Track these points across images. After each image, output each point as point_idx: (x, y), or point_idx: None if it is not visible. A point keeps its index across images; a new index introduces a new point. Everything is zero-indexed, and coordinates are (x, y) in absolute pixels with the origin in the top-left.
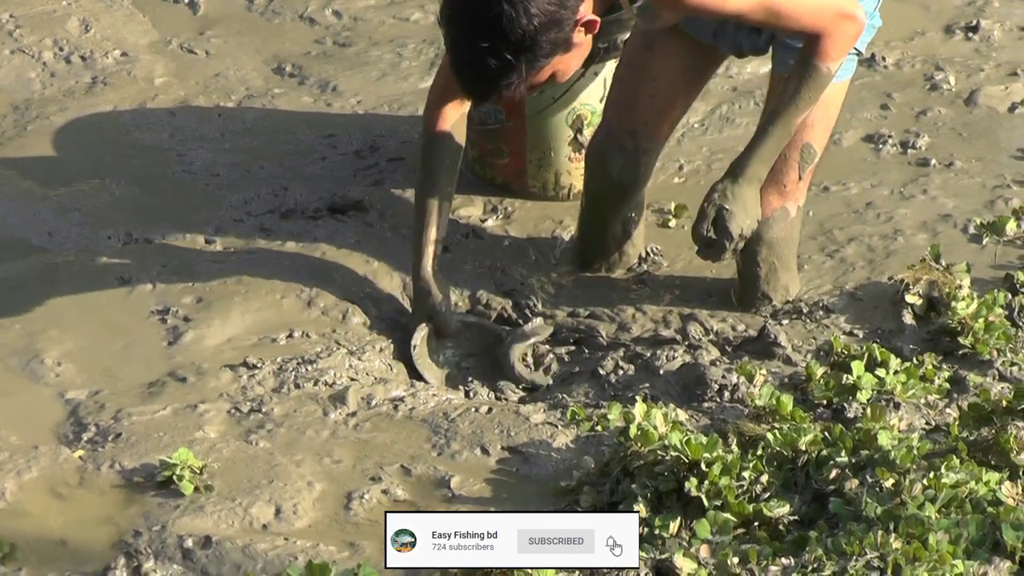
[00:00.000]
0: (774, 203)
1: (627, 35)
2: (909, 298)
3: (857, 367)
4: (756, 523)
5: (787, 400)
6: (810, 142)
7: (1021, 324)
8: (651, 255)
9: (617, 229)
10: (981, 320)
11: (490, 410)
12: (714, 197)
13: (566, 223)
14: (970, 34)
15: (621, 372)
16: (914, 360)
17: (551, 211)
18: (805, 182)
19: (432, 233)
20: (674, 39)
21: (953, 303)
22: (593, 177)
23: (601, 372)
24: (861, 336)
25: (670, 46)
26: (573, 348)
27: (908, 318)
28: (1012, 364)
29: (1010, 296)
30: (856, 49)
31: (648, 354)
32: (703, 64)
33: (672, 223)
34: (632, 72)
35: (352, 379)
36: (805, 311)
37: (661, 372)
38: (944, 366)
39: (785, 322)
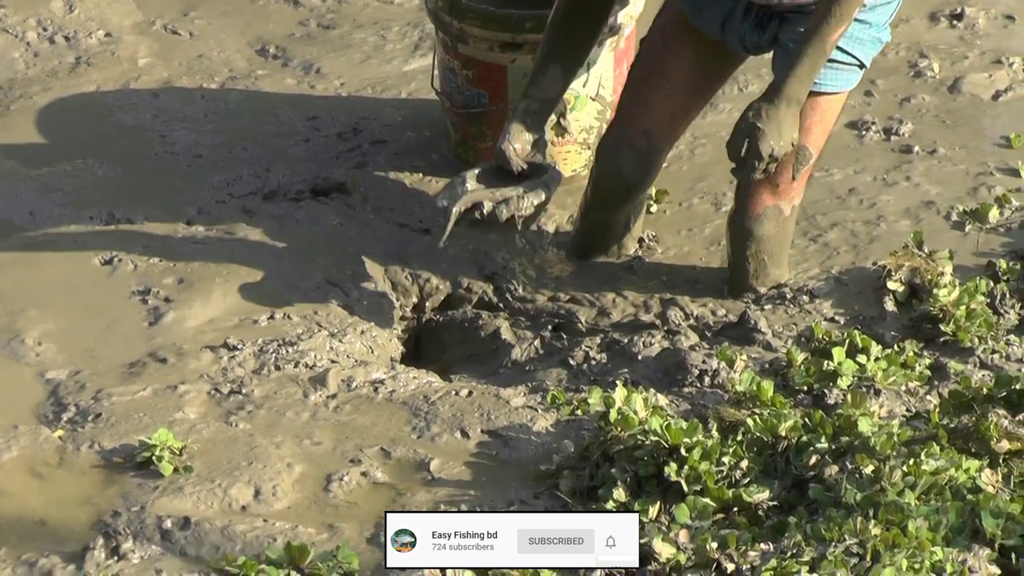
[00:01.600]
0: (767, 200)
1: (611, 21)
2: (891, 285)
3: (838, 353)
4: (735, 508)
5: (767, 386)
6: (806, 145)
7: (1003, 312)
8: (646, 241)
9: (620, 222)
10: (963, 307)
11: (470, 393)
12: (748, 115)
13: (550, 210)
14: (955, 21)
15: (594, 362)
16: (895, 347)
17: None
18: (800, 183)
19: (531, 90)
20: (690, 38)
21: (935, 290)
22: (603, 174)
23: (572, 363)
24: (842, 322)
25: (687, 46)
26: (551, 333)
27: (890, 305)
28: (993, 352)
29: (992, 284)
30: (859, 60)
31: (626, 340)
32: (720, 64)
33: (654, 208)
34: (649, 71)
35: (333, 361)
36: (789, 296)
37: (640, 358)
38: (925, 353)
39: (768, 307)
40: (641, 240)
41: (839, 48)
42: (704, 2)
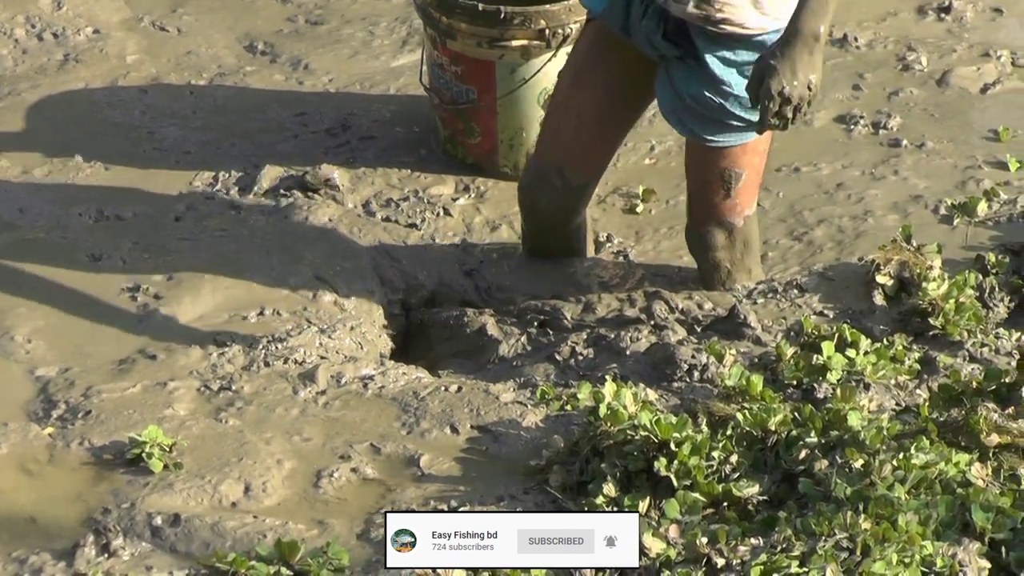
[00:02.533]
0: (712, 215)
1: None
2: (880, 279)
3: (827, 348)
4: (725, 503)
5: (757, 380)
6: (729, 168)
7: (992, 305)
8: (610, 244)
9: (560, 247)
10: (952, 301)
11: (460, 389)
12: (762, 56)
13: None
14: (942, 15)
15: (581, 357)
16: (884, 341)
17: None
18: (743, 198)
19: None
20: (602, 67)
21: (924, 284)
22: (524, 211)
23: (558, 358)
24: (832, 316)
25: (598, 77)
26: (537, 329)
27: (879, 299)
28: (982, 345)
29: (981, 277)
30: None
31: (612, 335)
32: (639, 90)
33: (640, 208)
34: (557, 106)
35: (322, 357)
36: (778, 290)
37: (628, 353)
38: (914, 347)
39: (760, 301)
40: (601, 242)
41: (730, 113)
42: None
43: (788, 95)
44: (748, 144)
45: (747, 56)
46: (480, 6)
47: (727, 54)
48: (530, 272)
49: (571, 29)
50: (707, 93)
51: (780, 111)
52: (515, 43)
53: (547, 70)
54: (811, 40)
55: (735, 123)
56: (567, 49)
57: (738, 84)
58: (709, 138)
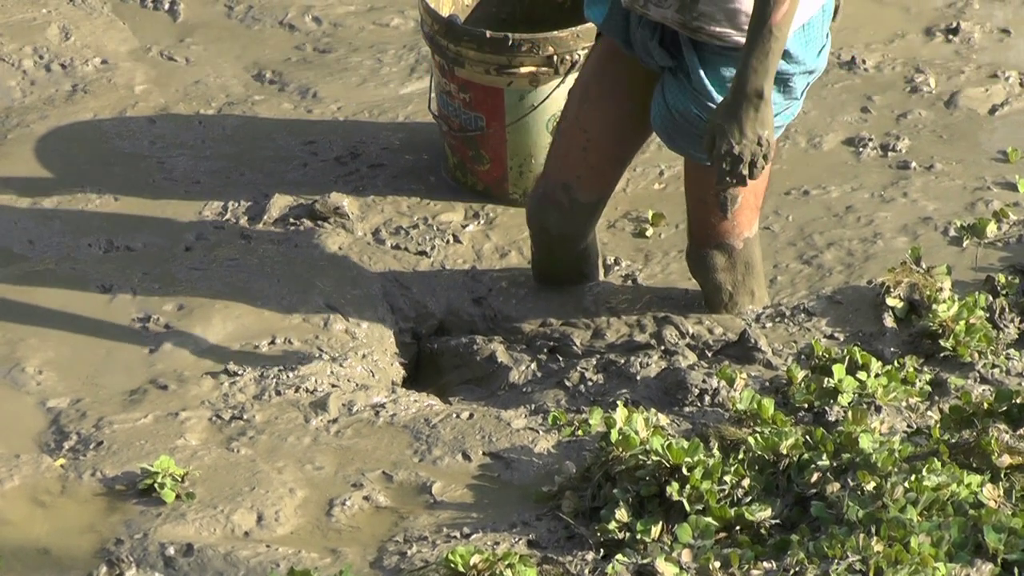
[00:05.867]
0: (711, 239)
1: None
2: (890, 301)
3: (838, 370)
4: (738, 527)
5: (768, 404)
6: (732, 192)
7: (1002, 326)
8: (618, 267)
9: (569, 270)
10: (962, 322)
11: (471, 416)
12: (710, 116)
13: None
14: (950, 36)
15: (591, 383)
16: (895, 363)
17: None
18: (742, 219)
19: None
20: (612, 86)
21: (934, 305)
22: (532, 230)
23: (568, 384)
24: (842, 339)
25: (604, 96)
26: (547, 356)
27: (889, 321)
28: (993, 366)
29: (991, 298)
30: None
31: (623, 361)
32: (643, 110)
33: (649, 232)
34: (567, 124)
35: (333, 386)
36: (787, 314)
37: (639, 378)
38: (925, 369)
39: (767, 326)
40: (609, 266)
41: None
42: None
43: (739, 154)
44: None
45: (731, 72)
46: (488, 33)
47: (714, 68)
48: (538, 299)
49: (579, 55)
50: (694, 110)
51: (734, 170)
52: (523, 70)
53: (556, 96)
54: (755, 98)
55: None
56: (575, 75)
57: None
58: (698, 155)
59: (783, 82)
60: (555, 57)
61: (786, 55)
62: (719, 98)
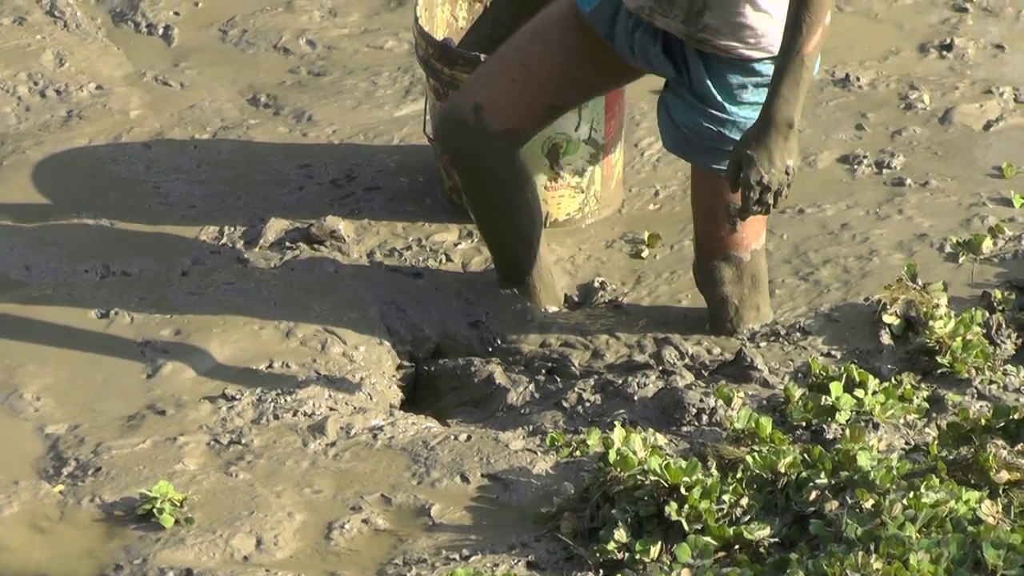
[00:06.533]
0: (720, 251)
1: None
2: (886, 318)
3: (835, 388)
4: (737, 546)
5: (766, 422)
6: (733, 201)
7: (999, 342)
8: (608, 287)
9: (501, 218)
10: (959, 339)
11: (469, 437)
12: (738, 144)
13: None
14: (944, 52)
15: (589, 403)
16: (892, 380)
17: None
18: (751, 231)
19: None
20: (571, 37)
21: (930, 322)
22: (448, 158)
23: (565, 405)
24: (839, 357)
25: (563, 43)
26: (544, 377)
27: (886, 338)
28: (990, 382)
29: (987, 314)
30: None
31: (620, 381)
32: (590, 75)
33: (645, 253)
34: (509, 50)
35: (331, 409)
36: (782, 333)
37: (636, 398)
38: (923, 386)
39: (763, 344)
40: (604, 284)
41: (727, 139)
42: None
43: (767, 183)
44: None
45: (739, 80)
46: (482, 57)
47: (720, 76)
48: (536, 321)
49: None
50: (704, 123)
51: (761, 198)
52: None
53: None
54: (785, 128)
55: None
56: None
57: (732, 109)
58: (714, 167)
59: None
60: None
61: None
62: (725, 105)
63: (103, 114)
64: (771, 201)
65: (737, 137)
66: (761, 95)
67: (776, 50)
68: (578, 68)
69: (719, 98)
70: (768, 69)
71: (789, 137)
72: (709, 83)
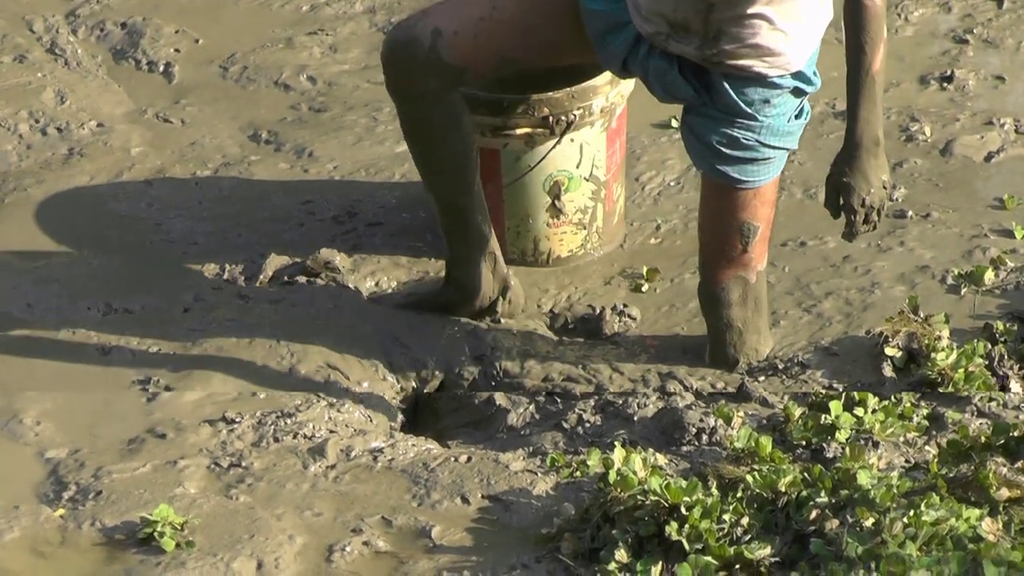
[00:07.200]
0: (728, 272)
1: (602, 101)
2: (888, 350)
3: (835, 407)
4: (737, 565)
5: (766, 442)
6: (748, 221)
7: (1001, 373)
8: (621, 313)
9: (451, 181)
10: (961, 370)
11: (469, 459)
12: (833, 174)
13: (552, 291)
14: (945, 84)
15: (588, 424)
16: (892, 398)
17: (535, 276)
18: (757, 251)
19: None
20: (551, 18)
21: (933, 354)
22: (382, 64)
23: (565, 426)
24: (841, 390)
25: (541, 15)
26: (545, 399)
27: (888, 370)
28: (990, 400)
29: (989, 346)
30: (787, 148)
31: (620, 402)
32: (562, 36)
33: (645, 287)
34: None
35: (331, 431)
36: (781, 367)
37: (635, 419)
38: (922, 404)
39: (762, 378)
40: (616, 308)
41: (765, 144)
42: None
43: (870, 204)
44: (764, 193)
45: (761, 94)
46: (482, 95)
47: (740, 90)
48: (541, 355)
49: (575, 116)
50: (737, 132)
51: (868, 219)
52: (519, 131)
53: (552, 156)
54: (873, 147)
55: (768, 153)
56: (572, 135)
57: (761, 117)
58: (743, 180)
59: (800, 111)
60: (551, 118)
61: (808, 81)
62: (755, 114)
63: (104, 152)
64: (876, 219)
65: (774, 141)
66: (786, 103)
67: (794, 68)
68: (546, 26)
69: (742, 105)
70: (788, 82)
71: (879, 155)
72: (734, 95)
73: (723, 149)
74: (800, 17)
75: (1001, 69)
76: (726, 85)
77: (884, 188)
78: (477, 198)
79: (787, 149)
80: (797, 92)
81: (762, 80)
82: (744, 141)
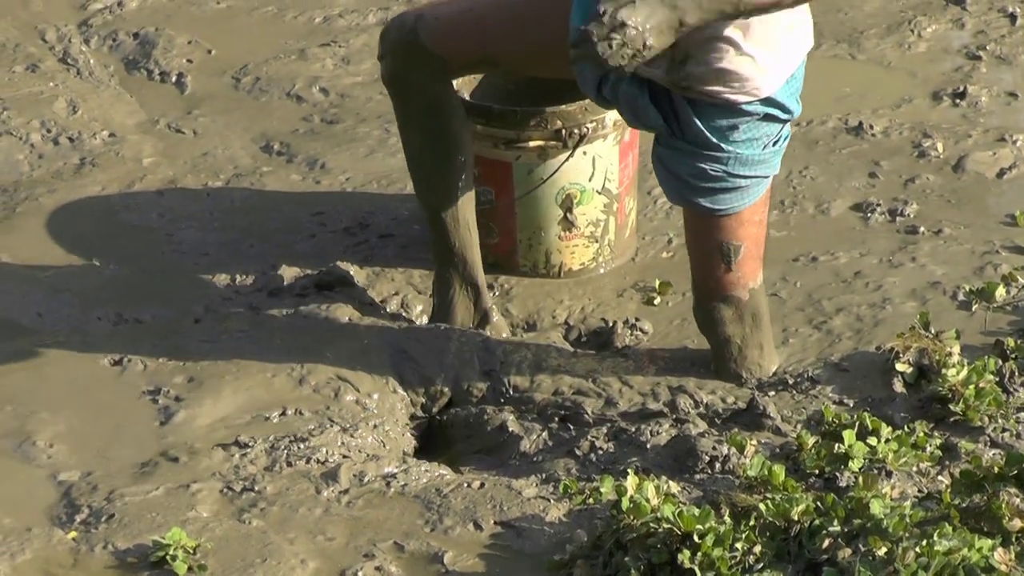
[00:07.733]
0: (718, 291)
1: (615, 114)
2: (899, 366)
3: (848, 436)
4: None
5: (779, 470)
6: (728, 242)
7: (1012, 390)
8: (632, 327)
9: (425, 135)
10: (972, 387)
11: (482, 485)
12: None
13: (565, 302)
14: (957, 100)
15: (601, 451)
16: (905, 428)
17: (549, 288)
18: (746, 268)
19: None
20: (543, 18)
21: (943, 370)
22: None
23: (578, 452)
24: (851, 405)
25: (535, 14)
26: (558, 425)
27: (898, 386)
28: (1003, 430)
29: (1000, 362)
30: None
31: (633, 429)
32: (545, 38)
33: (657, 300)
34: None
35: (344, 456)
36: (791, 382)
37: (649, 446)
38: (936, 433)
39: (772, 393)
40: (627, 322)
41: (733, 175)
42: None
43: (620, 20)
44: (744, 215)
45: (728, 121)
46: (495, 107)
47: (709, 119)
48: (550, 369)
49: (587, 128)
50: (704, 165)
51: (609, 37)
52: (531, 144)
53: (565, 169)
54: (668, 6)
55: (739, 183)
56: (584, 148)
57: (728, 147)
58: (716, 208)
59: (778, 139)
60: (563, 130)
61: (783, 109)
62: (720, 144)
63: (116, 162)
64: (599, 51)
65: (744, 171)
66: (754, 131)
67: (763, 94)
68: (535, 27)
69: (713, 139)
70: (757, 108)
71: (666, 14)
72: (700, 125)
73: (691, 180)
74: (769, 43)
75: (1014, 85)
76: (691, 112)
77: (644, 44)
78: (461, 214)
79: (762, 177)
80: (769, 118)
81: (731, 108)
82: (712, 172)
